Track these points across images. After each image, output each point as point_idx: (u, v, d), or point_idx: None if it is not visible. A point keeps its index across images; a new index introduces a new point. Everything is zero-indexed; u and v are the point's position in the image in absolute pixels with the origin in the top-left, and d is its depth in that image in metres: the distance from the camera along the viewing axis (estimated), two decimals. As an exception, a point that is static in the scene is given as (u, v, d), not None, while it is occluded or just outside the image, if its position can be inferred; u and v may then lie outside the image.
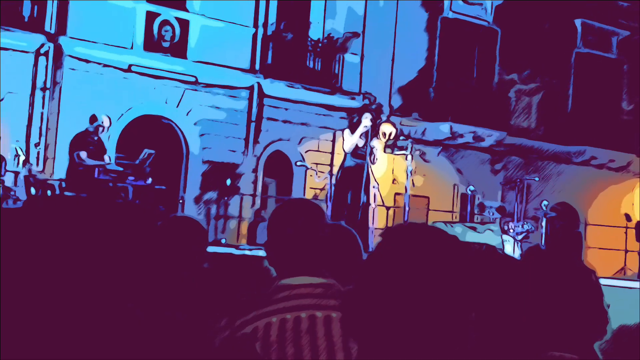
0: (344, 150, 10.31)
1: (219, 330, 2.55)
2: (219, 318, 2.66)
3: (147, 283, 3.18)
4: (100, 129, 10.55)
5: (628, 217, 18.05)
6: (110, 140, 14.28)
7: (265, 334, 2.37)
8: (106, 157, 10.59)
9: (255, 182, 16.96)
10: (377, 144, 10.86)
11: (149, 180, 10.65)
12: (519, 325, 2.10)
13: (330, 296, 2.44)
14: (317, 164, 16.23)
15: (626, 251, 17.60)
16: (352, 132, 10.24)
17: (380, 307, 1.45)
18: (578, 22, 20.92)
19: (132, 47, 15.42)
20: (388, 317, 1.44)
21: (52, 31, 14.63)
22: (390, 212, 16.07)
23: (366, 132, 10.23)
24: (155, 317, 2.41)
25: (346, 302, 1.52)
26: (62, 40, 14.70)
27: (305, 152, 17.23)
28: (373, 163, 10.42)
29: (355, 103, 17.58)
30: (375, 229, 11.49)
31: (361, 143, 10.22)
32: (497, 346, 2.05)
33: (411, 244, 1.49)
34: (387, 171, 17.20)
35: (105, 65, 15.05)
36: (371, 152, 10.36)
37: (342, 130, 10.50)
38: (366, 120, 10.16)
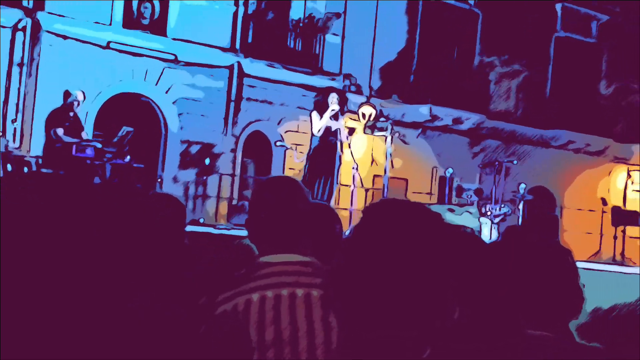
0: (313, 133, 10.28)
1: (199, 308, 2.55)
2: (199, 296, 2.66)
3: (127, 261, 3.18)
4: (76, 103, 10.45)
5: (604, 201, 18.22)
6: (88, 117, 14.17)
7: (245, 310, 2.37)
8: (83, 134, 10.51)
9: (234, 162, 16.92)
10: (347, 126, 10.82)
11: (127, 159, 10.58)
12: (497, 304, 2.12)
13: (311, 274, 2.45)
14: (296, 144, 16.21)
15: (601, 235, 17.79)
16: (320, 113, 10.19)
17: (363, 282, 1.46)
18: (558, 6, 20.99)
19: (110, 24, 15.27)
20: (371, 292, 1.46)
21: (30, 6, 14.45)
22: (370, 193, 16.09)
23: (335, 114, 10.20)
24: (137, 296, 2.41)
25: (330, 279, 1.53)
26: (40, 15, 14.53)
27: (285, 132, 17.20)
28: (342, 145, 10.38)
29: (336, 84, 17.55)
30: (355, 210, 11.52)
31: (331, 124, 10.19)
32: (475, 324, 2.07)
33: (392, 218, 1.50)
34: (367, 152, 17.22)
35: (83, 42, 14.90)
36: (340, 134, 10.31)
37: (310, 112, 10.44)
38: (333, 103, 10.12)
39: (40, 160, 10.34)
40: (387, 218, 1.50)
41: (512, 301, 2.10)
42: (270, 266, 2.51)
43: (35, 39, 14.49)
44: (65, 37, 14.75)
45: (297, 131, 17.25)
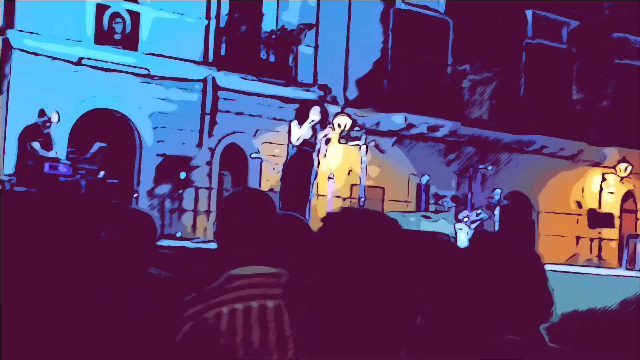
0: (291, 142, 10.27)
1: (169, 322, 2.53)
2: (171, 310, 2.64)
3: (99, 277, 3.15)
4: (49, 123, 10.40)
5: (579, 205, 18.40)
6: (61, 134, 14.07)
7: (215, 324, 2.36)
8: (52, 152, 10.45)
9: (210, 175, 16.87)
10: (326, 136, 10.82)
11: (101, 174, 10.52)
12: (467, 308, 2.12)
13: (281, 285, 2.44)
14: (273, 156, 16.21)
15: (578, 238, 17.93)
16: (300, 124, 10.19)
17: (324, 291, 1.45)
18: (529, 13, 21.18)
19: (82, 40, 15.20)
20: (333, 300, 1.45)
21: (0, 24, 14.34)
22: (347, 202, 16.13)
23: (314, 125, 10.20)
24: (106, 310, 2.39)
25: (294, 289, 1.52)
26: (9, 33, 14.43)
27: (261, 144, 17.19)
28: (319, 156, 10.39)
29: (310, 95, 17.58)
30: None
31: (309, 135, 10.19)
32: (446, 329, 2.07)
33: (347, 227, 1.49)
34: (343, 162, 17.26)
35: (55, 59, 14.81)
36: (319, 145, 10.32)
37: (289, 122, 10.44)
38: (314, 114, 10.12)
39: (13, 179, 10.25)
40: (343, 227, 1.50)
41: (483, 306, 2.11)
42: (240, 279, 2.50)
43: (5, 56, 14.38)
44: (36, 54, 14.66)
45: (273, 142, 17.25)
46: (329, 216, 1.54)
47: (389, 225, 1.53)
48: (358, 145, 12.34)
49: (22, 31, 14.54)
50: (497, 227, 12.71)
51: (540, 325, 2.21)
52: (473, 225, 11.76)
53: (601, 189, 21.56)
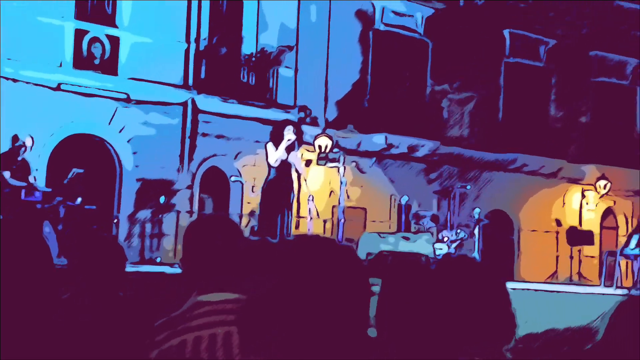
0: (268, 164, 10.25)
1: (136, 349, 2.52)
2: (138, 336, 2.63)
3: (70, 302, 3.13)
4: (23, 149, 10.36)
5: (559, 222, 18.46)
6: (40, 160, 14.02)
7: (179, 351, 2.35)
8: (31, 178, 10.39)
9: (191, 199, 16.83)
10: (300, 157, 10.81)
11: (79, 200, 10.47)
12: (430, 331, 2.13)
13: (241, 311, 2.43)
14: (254, 178, 16.20)
15: (557, 256, 17.98)
16: (275, 145, 10.17)
17: (272, 318, 1.46)
18: (506, 32, 21.37)
19: (61, 65, 15.18)
20: (281, 327, 1.46)
21: (-22, 51, 14.32)
22: (328, 224, 16.13)
23: (290, 145, 10.18)
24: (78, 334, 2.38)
25: (242, 315, 1.53)
26: (-13, 59, 14.40)
27: (242, 167, 17.19)
28: (300, 178, 10.39)
29: (291, 116, 17.62)
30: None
31: (286, 156, 10.17)
32: (410, 352, 2.08)
33: (303, 254, 1.51)
34: (324, 183, 17.27)
35: (33, 84, 14.78)
36: (297, 164, 10.31)
37: (265, 143, 10.42)
38: (289, 133, 10.11)
39: (-11, 206, 10.19)
40: (298, 254, 1.51)
41: (445, 329, 2.11)
42: (205, 305, 2.50)
43: (-17, 83, 14.35)
44: (15, 80, 14.63)
45: (254, 165, 17.25)
46: (283, 244, 1.55)
47: (340, 253, 1.55)
48: (337, 167, 12.35)
49: (1, 58, 14.50)
50: (477, 247, 12.75)
51: (503, 347, 2.22)
52: (453, 245, 11.80)
53: (581, 206, 21.68)
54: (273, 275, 1.57)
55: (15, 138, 10.49)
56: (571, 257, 16.53)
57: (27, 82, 14.72)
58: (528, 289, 7.67)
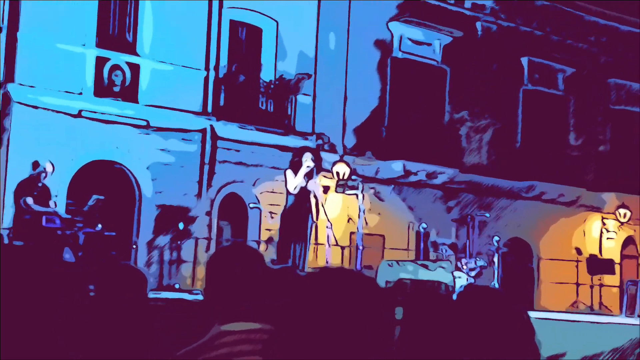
0: (287, 191, 10.26)
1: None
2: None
3: (93, 331, 3.14)
4: (43, 175, 10.43)
5: (579, 251, 18.30)
6: (61, 186, 14.11)
7: (202, 381, 2.35)
8: (51, 203, 10.45)
9: (209, 226, 16.85)
10: (321, 185, 10.82)
11: (99, 227, 10.52)
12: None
13: (270, 342, 2.43)
14: (272, 204, 16.22)
15: (578, 284, 17.79)
16: (294, 172, 10.18)
17: (300, 349, 1.46)
18: (524, 60, 21.38)
19: (81, 93, 15.33)
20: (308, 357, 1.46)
21: (1, 78, 14.48)
22: (346, 251, 16.08)
23: (309, 172, 10.20)
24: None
25: (269, 346, 1.53)
26: (10, 87, 14.56)
27: (260, 193, 17.21)
28: (318, 205, 10.36)
29: (309, 143, 17.67)
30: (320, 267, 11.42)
31: (305, 183, 10.17)
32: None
33: (323, 288, 1.51)
34: (342, 210, 17.25)
35: (54, 111, 14.92)
36: (315, 190, 10.30)
37: (284, 170, 10.44)
38: (308, 161, 10.13)
39: (11, 233, 10.25)
40: (326, 286, 1.52)
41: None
42: (229, 335, 2.50)
43: (5, 110, 14.49)
44: (35, 107, 14.77)
45: (272, 192, 17.28)
46: (309, 276, 1.56)
47: (364, 285, 1.55)
48: (355, 194, 12.35)
49: (23, 85, 14.68)
50: (496, 275, 12.66)
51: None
52: (472, 274, 11.72)
53: (601, 235, 21.50)
54: (297, 305, 1.57)
55: (35, 164, 10.57)
56: (591, 287, 16.35)
57: (48, 109, 14.86)
58: (548, 319, 7.61)
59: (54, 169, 10.76)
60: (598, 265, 16.71)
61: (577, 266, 17.68)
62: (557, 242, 20.59)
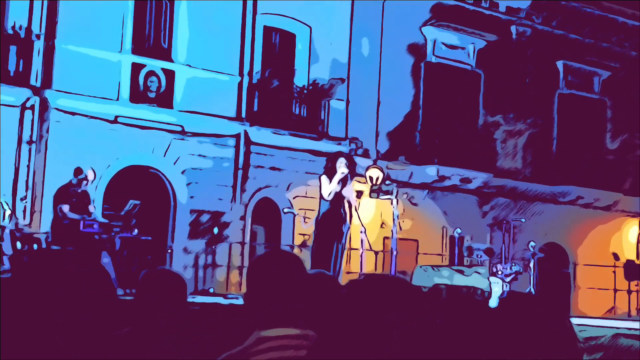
0: (322, 197, 10.24)
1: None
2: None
3: (132, 336, 3.17)
4: (85, 182, 10.56)
5: (616, 256, 18.05)
6: (97, 191, 14.27)
7: (243, 387, 2.36)
8: (91, 208, 10.57)
9: (243, 230, 16.92)
10: (355, 190, 10.77)
11: (135, 232, 10.62)
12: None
13: (308, 347, 2.44)
14: (305, 209, 16.24)
15: (615, 290, 17.56)
16: (329, 178, 10.16)
17: (344, 356, 1.47)
18: (560, 64, 21.20)
19: (118, 99, 15.50)
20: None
21: (38, 85, 14.69)
22: (380, 256, 16.04)
23: (344, 178, 10.17)
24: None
25: (314, 352, 1.54)
26: (47, 93, 14.77)
27: (293, 198, 17.25)
28: (352, 210, 10.31)
29: (342, 148, 17.66)
30: (363, 273, 11.41)
31: (340, 188, 10.14)
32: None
33: (369, 295, 1.52)
34: (376, 215, 17.22)
35: (91, 117, 15.10)
36: (349, 196, 10.27)
37: (319, 176, 10.42)
38: (342, 167, 10.10)
39: (49, 237, 10.38)
40: (363, 296, 1.52)
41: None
42: (270, 340, 2.51)
43: (43, 116, 14.71)
44: (73, 114, 14.96)
45: (305, 196, 17.31)
46: (351, 284, 1.56)
47: (409, 293, 1.55)
48: (389, 199, 12.31)
49: (60, 91, 14.87)
50: (532, 281, 12.55)
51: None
52: (508, 279, 11.63)
53: (639, 240, 21.21)
54: (342, 312, 1.58)
55: (78, 170, 10.70)
56: (629, 292, 16.14)
57: (85, 115, 15.04)
58: (586, 325, 7.53)
59: (95, 176, 10.88)
60: (635, 270, 16.49)
61: (614, 272, 17.46)
62: (594, 248, 20.35)
